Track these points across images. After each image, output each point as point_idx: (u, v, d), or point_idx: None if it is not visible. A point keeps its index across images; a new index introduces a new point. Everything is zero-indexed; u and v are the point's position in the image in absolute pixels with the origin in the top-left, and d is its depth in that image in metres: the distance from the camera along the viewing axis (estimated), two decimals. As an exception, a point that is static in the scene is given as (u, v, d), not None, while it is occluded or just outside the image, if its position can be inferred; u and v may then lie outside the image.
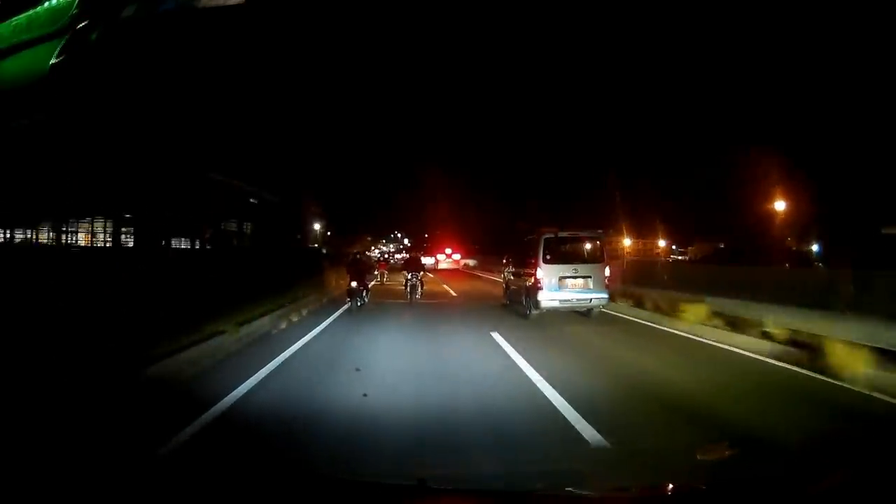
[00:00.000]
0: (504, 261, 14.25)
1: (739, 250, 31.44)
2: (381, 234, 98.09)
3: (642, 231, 41.00)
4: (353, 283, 10.98)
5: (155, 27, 2.25)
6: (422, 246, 45.38)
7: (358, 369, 5.16)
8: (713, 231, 36.97)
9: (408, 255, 19.81)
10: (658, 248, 46.18)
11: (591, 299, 9.76)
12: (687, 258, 43.77)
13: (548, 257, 9.90)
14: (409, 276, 12.72)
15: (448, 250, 38.90)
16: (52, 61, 2.71)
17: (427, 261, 34.24)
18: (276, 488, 1.46)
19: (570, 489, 1.82)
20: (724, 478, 1.89)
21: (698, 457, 2.83)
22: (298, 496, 1.46)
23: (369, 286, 12.96)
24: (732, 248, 34.91)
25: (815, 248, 32.26)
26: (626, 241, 39.50)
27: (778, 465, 2.05)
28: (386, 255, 38.32)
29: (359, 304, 11.10)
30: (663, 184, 31.32)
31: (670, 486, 1.62)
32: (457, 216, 43.77)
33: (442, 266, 34.72)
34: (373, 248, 72.96)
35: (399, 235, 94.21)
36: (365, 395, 4.27)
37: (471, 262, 36.88)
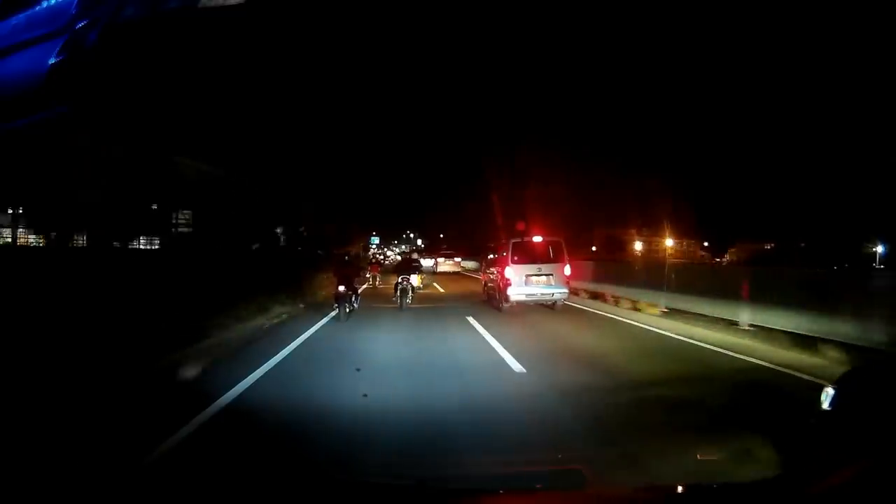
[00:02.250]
0: (482, 263, 17.81)
1: (788, 251, 30.99)
2: (393, 235, 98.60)
3: (686, 232, 40.90)
4: (341, 287, 11.01)
5: (155, 27, 2.42)
6: (440, 247, 45.27)
7: (358, 368, 5.91)
8: (758, 232, 36.63)
9: (400, 257, 20.86)
10: (703, 249, 45.96)
11: (553, 293, 12.26)
12: (727, 260, 43.26)
13: (515, 258, 12.30)
14: (400, 280, 13.12)
15: (449, 252, 38.73)
16: (52, 61, 2.91)
17: (426, 262, 34.08)
18: (276, 489, 1.58)
19: (570, 489, 1.93)
20: (723, 478, 1.98)
21: (698, 457, 3.03)
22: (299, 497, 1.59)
23: (359, 290, 13.21)
24: (779, 249, 34.42)
25: (880, 249, 31.54)
26: (668, 242, 39.43)
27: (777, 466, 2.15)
28: (379, 257, 38.12)
29: (347, 310, 11.13)
30: (705, 183, 31.40)
31: (669, 486, 1.71)
32: (471, 217, 43.72)
33: (442, 269, 34.34)
34: (377, 248, 73.34)
35: (412, 235, 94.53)
36: (365, 395, 4.88)
37: (471, 265, 36.24)
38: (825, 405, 2.48)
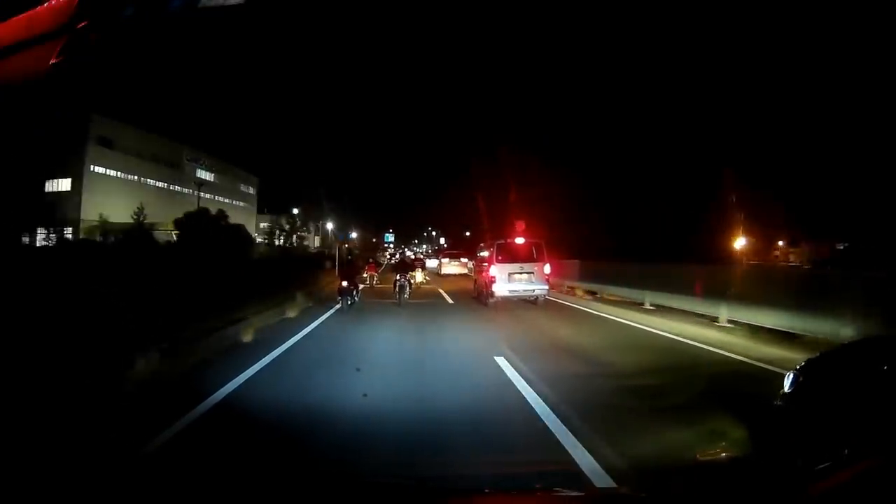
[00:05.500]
0: (474, 263, 21.92)
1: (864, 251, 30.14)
2: (413, 233, 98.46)
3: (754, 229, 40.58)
4: (344, 283, 13.81)
5: (156, 27, 2.66)
6: (465, 246, 45.81)
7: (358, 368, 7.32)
8: (827, 231, 35.90)
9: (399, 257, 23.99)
10: (777, 248, 45.48)
11: (534, 290, 14.88)
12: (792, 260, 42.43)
13: (500, 258, 14.98)
14: (398, 277, 16.04)
15: (454, 252, 39.93)
16: (52, 61, 3.19)
17: (431, 263, 37.91)
18: (276, 488, 1.79)
19: (569, 489, 2.08)
20: (723, 478, 2.12)
21: (698, 457, 3.21)
22: (299, 496, 1.79)
23: (360, 287, 16.28)
24: (853, 249, 33.52)
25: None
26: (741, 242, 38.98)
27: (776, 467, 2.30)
28: (379, 257, 38.82)
29: (349, 302, 13.79)
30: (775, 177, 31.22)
31: (670, 486, 1.86)
32: (496, 216, 43.94)
33: (447, 270, 34.97)
34: (392, 247, 73.34)
35: (435, 233, 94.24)
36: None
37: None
38: (787, 388, 2.89)
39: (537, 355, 8.02)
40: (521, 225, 19.22)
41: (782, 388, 2.95)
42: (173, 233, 36.68)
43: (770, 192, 34.71)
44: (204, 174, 59.03)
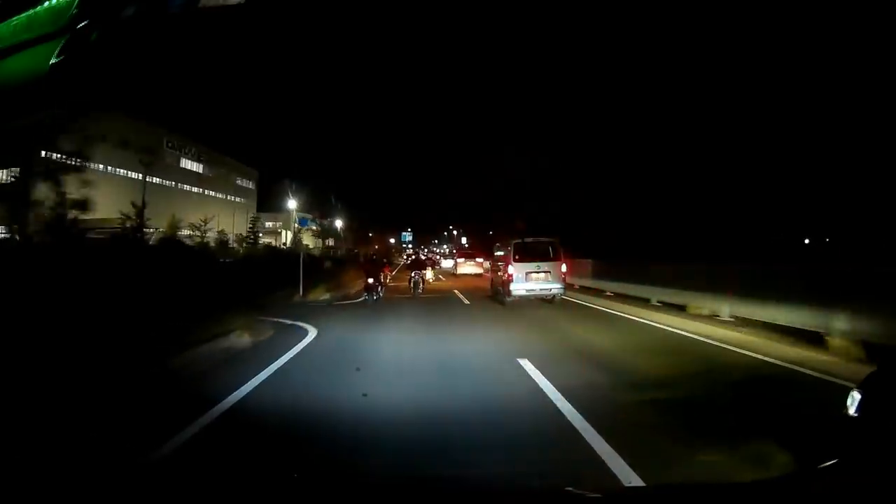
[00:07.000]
0: (490, 263, 23.89)
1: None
2: (433, 233, 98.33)
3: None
4: (370, 280, 16.12)
5: (156, 27, 2.70)
6: (485, 246, 46.45)
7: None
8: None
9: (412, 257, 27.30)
10: None
11: (551, 289, 15.37)
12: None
13: (517, 257, 15.53)
14: (413, 274, 19.53)
15: (470, 252, 41.37)
16: (53, 61, 3.25)
17: (447, 263, 40.97)
18: (276, 489, 1.82)
19: (570, 489, 2.10)
20: (723, 478, 2.11)
21: (698, 457, 3.22)
22: (300, 496, 1.82)
23: (382, 283, 18.18)
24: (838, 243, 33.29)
25: None
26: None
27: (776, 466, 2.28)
28: (396, 257, 39.72)
29: (374, 297, 16.04)
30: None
31: (670, 486, 1.86)
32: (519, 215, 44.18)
33: (462, 270, 35.77)
34: (410, 247, 73.50)
35: (456, 233, 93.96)
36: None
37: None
38: (852, 411, 2.42)
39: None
40: (521, 226, 21.02)
41: (845, 408, 2.48)
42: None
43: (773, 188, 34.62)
44: (190, 164, 54.78)
